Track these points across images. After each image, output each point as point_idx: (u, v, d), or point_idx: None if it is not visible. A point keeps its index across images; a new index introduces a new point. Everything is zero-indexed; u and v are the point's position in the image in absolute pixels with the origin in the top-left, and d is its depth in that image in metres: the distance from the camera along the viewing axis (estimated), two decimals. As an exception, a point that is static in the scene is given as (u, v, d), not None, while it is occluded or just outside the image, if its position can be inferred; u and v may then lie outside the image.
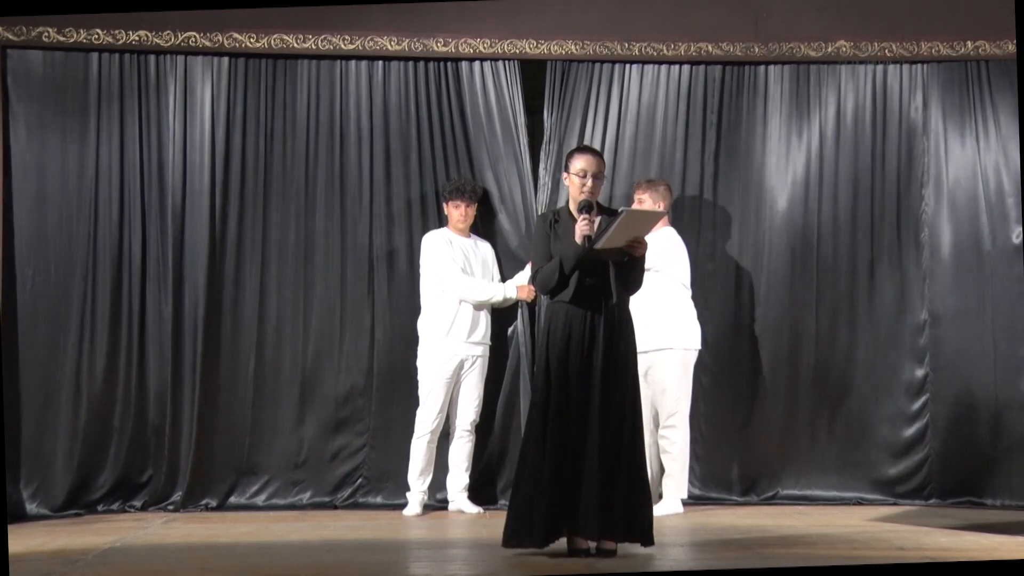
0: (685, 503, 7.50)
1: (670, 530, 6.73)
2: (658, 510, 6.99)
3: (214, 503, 7.59)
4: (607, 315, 5.75)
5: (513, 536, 5.72)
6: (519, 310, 7.69)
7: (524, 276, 7.58)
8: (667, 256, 7.32)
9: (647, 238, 5.79)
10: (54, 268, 7.50)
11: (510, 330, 7.72)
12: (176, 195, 7.61)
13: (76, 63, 7.55)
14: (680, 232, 7.71)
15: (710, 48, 7.83)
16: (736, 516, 7.26)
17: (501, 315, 7.70)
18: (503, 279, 7.70)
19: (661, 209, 7.28)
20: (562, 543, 5.74)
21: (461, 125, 7.81)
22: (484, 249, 7.68)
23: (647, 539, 5.71)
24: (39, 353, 7.47)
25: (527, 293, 7.58)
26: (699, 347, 7.51)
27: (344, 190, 7.75)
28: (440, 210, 7.73)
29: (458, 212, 7.53)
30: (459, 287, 7.46)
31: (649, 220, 5.94)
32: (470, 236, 7.63)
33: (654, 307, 7.15)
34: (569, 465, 5.64)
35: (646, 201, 7.38)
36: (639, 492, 5.70)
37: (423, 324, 7.54)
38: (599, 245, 5.66)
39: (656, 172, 7.83)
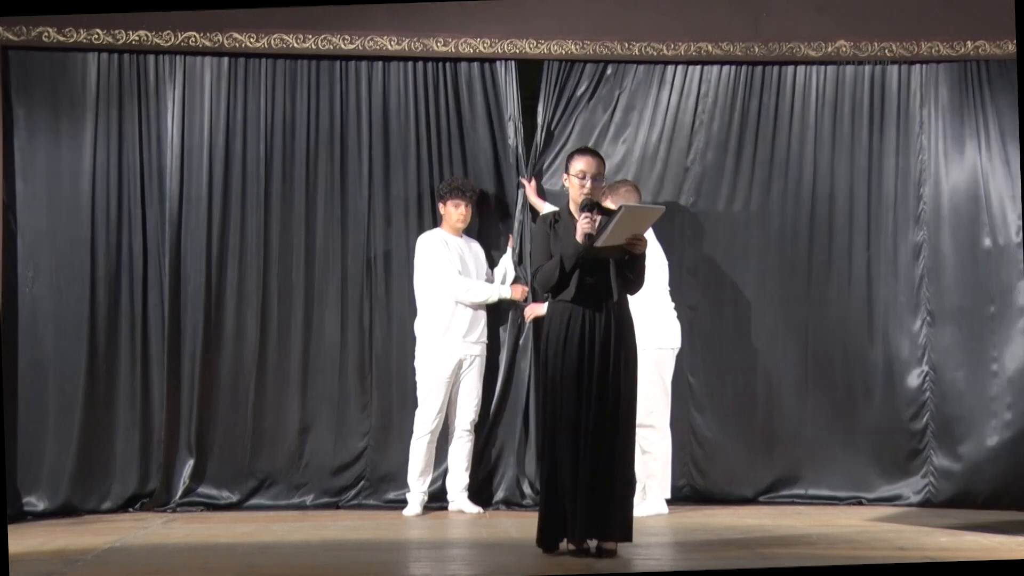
0: (686, 503, 7.52)
1: (670, 530, 6.74)
2: (641, 510, 7.01)
3: (216, 505, 7.58)
4: (608, 314, 5.78)
5: (542, 538, 5.76)
6: (511, 310, 7.69)
7: (507, 265, 7.64)
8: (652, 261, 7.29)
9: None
10: (55, 270, 7.49)
11: (504, 330, 7.73)
12: (174, 196, 7.59)
13: (76, 63, 7.54)
14: (679, 233, 7.72)
15: (710, 48, 7.83)
16: (736, 516, 7.26)
17: (497, 314, 7.70)
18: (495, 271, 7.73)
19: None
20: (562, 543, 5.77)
21: (459, 125, 7.80)
22: (476, 248, 7.69)
23: (624, 536, 5.73)
24: (39, 356, 7.45)
25: (520, 293, 7.60)
26: (676, 346, 7.49)
27: (344, 190, 7.74)
28: (437, 210, 7.71)
29: (459, 212, 7.53)
30: (457, 289, 7.47)
31: (648, 216, 5.95)
32: (461, 236, 7.62)
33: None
34: (568, 466, 5.67)
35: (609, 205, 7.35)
36: (621, 492, 5.72)
37: (420, 325, 7.54)
38: (600, 243, 5.68)
39: (659, 172, 7.83)
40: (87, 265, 7.52)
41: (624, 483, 5.76)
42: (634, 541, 5.79)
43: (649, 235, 7.33)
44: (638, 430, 7.24)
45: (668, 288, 7.49)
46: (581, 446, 5.68)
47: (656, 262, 7.36)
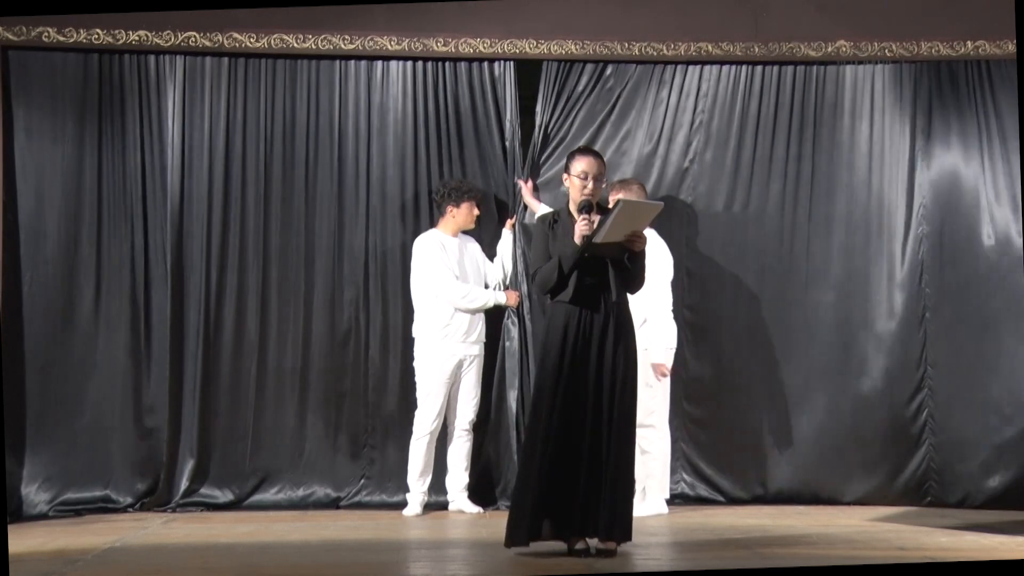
0: (684, 503, 7.53)
1: (670, 530, 6.74)
2: (641, 510, 7.00)
3: (216, 505, 7.59)
4: (607, 314, 5.77)
5: (509, 536, 5.75)
6: (507, 310, 7.69)
7: (504, 251, 7.67)
8: (656, 261, 7.31)
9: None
10: (55, 270, 7.50)
11: (506, 330, 7.73)
12: (175, 195, 7.60)
13: (76, 63, 7.55)
14: (677, 232, 7.72)
15: (710, 48, 7.83)
16: (736, 516, 7.26)
17: (496, 313, 7.70)
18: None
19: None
20: (562, 543, 5.76)
21: (457, 125, 7.80)
22: (473, 249, 7.68)
23: (624, 536, 5.72)
24: (40, 355, 7.46)
25: (515, 299, 7.61)
26: (674, 345, 7.49)
27: (343, 190, 7.75)
28: (434, 210, 7.70)
29: (473, 212, 7.54)
30: (454, 296, 7.45)
31: (647, 212, 5.93)
32: (457, 236, 7.62)
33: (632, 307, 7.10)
34: (563, 464, 5.66)
35: None
36: (621, 492, 5.71)
37: (419, 328, 7.53)
38: (598, 239, 5.67)
39: (658, 171, 7.84)
40: (88, 265, 7.53)
41: (625, 483, 5.75)
42: (634, 541, 5.78)
43: (654, 234, 7.37)
44: (638, 430, 7.25)
45: (670, 289, 7.49)
46: (580, 446, 5.67)
47: (662, 260, 7.37)
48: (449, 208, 7.55)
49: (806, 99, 7.93)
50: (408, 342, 7.62)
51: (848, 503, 7.75)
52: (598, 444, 5.68)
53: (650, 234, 7.33)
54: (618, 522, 5.70)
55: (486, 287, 7.66)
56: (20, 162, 7.47)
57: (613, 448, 5.69)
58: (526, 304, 7.65)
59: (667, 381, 7.45)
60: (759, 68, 7.92)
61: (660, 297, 7.35)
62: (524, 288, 7.64)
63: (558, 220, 5.91)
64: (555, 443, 5.68)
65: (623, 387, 5.76)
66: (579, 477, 5.66)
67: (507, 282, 7.72)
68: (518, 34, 7.72)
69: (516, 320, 7.67)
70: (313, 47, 7.68)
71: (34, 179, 7.50)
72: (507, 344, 7.69)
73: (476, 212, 7.58)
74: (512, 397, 7.65)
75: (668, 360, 7.42)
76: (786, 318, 7.88)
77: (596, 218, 5.78)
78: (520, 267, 7.65)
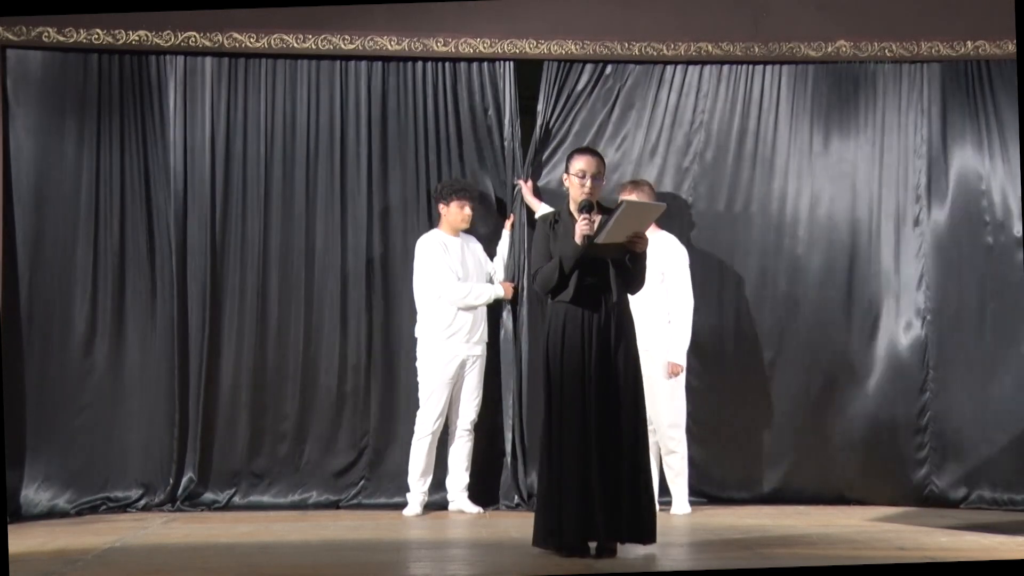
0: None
1: (670, 530, 6.74)
2: (671, 510, 7.20)
3: (216, 505, 7.59)
4: (607, 314, 5.76)
5: (543, 538, 5.74)
6: (504, 309, 7.69)
7: (503, 251, 7.71)
8: (676, 262, 7.36)
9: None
10: (55, 270, 7.50)
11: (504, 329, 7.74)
12: (176, 195, 7.60)
13: (76, 63, 7.55)
14: (678, 232, 7.73)
15: (710, 48, 7.84)
16: (736, 516, 7.27)
17: (498, 313, 7.70)
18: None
19: None
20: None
21: (457, 125, 7.80)
22: (475, 248, 7.68)
23: (649, 537, 5.72)
24: (40, 355, 7.46)
25: (510, 290, 7.63)
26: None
27: (343, 190, 7.75)
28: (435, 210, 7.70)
29: (463, 212, 7.53)
30: (456, 296, 7.45)
31: (649, 213, 5.92)
32: (459, 235, 7.61)
33: (643, 308, 7.10)
34: (579, 467, 5.65)
35: None
36: (642, 492, 5.70)
37: (422, 328, 7.53)
38: (600, 239, 5.67)
39: (658, 171, 7.85)
40: (87, 265, 7.53)
41: (647, 483, 5.73)
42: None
43: (668, 235, 7.39)
44: (670, 430, 7.35)
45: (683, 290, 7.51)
46: (593, 449, 5.65)
47: (681, 261, 7.41)
48: (440, 207, 7.56)
49: (806, 99, 7.93)
50: (410, 342, 7.62)
51: (848, 503, 7.75)
52: (611, 446, 5.66)
53: (664, 235, 7.38)
54: (645, 522, 5.69)
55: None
56: (19, 163, 7.47)
57: (628, 449, 5.67)
58: (524, 304, 7.64)
59: (682, 382, 7.45)
60: (759, 68, 7.93)
61: (683, 298, 7.42)
62: (522, 284, 7.64)
63: (559, 220, 5.90)
64: (569, 448, 5.67)
65: (626, 387, 5.74)
66: (598, 481, 5.63)
67: (503, 277, 7.71)
68: (518, 34, 7.73)
69: (513, 318, 7.67)
70: (313, 47, 7.68)
71: (34, 179, 7.50)
72: (504, 343, 7.69)
73: (467, 211, 7.56)
74: (510, 396, 7.66)
75: (683, 360, 7.43)
76: (787, 318, 7.88)
77: (597, 218, 5.77)
78: (518, 263, 7.66)
